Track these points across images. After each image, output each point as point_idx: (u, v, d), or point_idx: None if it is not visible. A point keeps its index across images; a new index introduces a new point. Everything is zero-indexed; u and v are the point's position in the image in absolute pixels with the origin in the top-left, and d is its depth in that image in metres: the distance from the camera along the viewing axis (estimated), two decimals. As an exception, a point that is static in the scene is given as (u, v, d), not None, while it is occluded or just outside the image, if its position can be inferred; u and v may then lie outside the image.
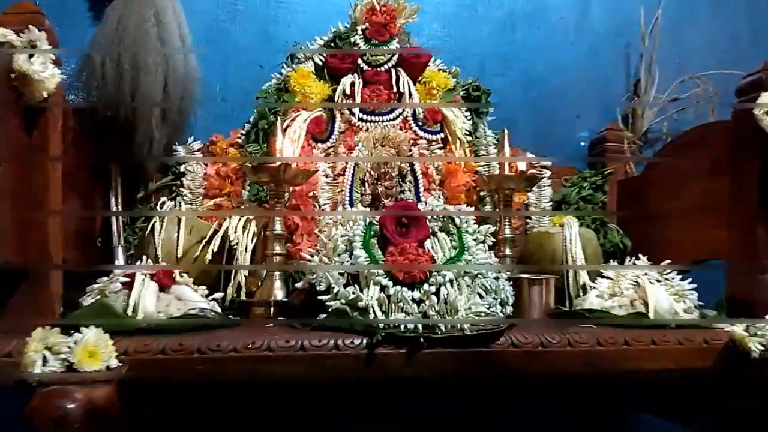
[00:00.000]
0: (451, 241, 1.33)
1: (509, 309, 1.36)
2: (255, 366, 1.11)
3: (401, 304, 1.20)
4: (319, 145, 1.77)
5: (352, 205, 1.71)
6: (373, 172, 1.74)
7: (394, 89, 1.78)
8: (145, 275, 1.34)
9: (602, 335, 1.22)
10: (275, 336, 1.14)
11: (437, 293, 1.21)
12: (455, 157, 1.75)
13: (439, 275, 1.23)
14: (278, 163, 1.47)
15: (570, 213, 1.80)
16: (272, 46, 1.89)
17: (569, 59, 2.10)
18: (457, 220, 1.35)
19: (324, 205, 1.72)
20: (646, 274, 1.45)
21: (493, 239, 1.39)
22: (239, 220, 1.53)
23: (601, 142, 2.01)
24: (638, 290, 1.43)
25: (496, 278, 1.36)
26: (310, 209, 1.69)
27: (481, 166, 1.81)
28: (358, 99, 1.75)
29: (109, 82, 1.61)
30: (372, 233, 1.32)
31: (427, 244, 1.32)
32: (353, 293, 1.22)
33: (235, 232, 1.50)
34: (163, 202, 1.69)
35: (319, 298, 1.25)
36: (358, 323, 1.18)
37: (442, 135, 1.80)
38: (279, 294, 1.46)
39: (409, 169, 1.76)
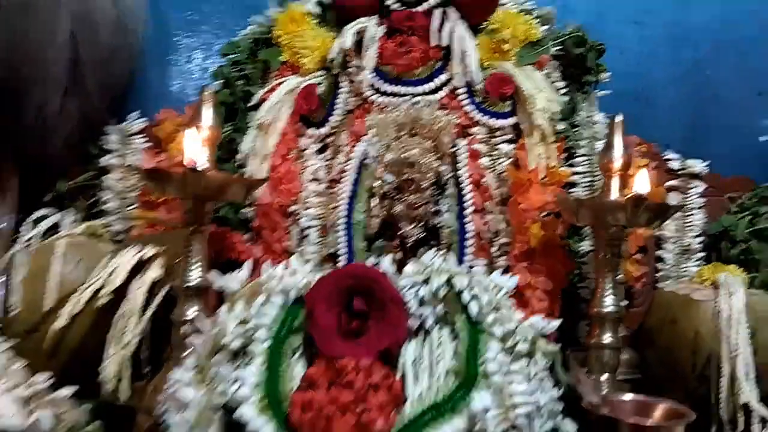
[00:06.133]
0: (455, 351, 0.63)
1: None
2: None
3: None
4: (311, 131, 1.10)
5: (350, 231, 1.04)
6: (390, 178, 1.05)
7: (436, 41, 1.07)
8: None
9: None
10: None
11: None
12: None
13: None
14: (184, 168, 0.83)
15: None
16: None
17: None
18: (474, 305, 0.65)
19: (308, 228, 1.06)
20: None
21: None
22: (132, 256, 0.91)
23: (798, 138, 1.20)
24: None
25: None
26: (280, 235, 1.05)
27: (581, 176, 1.08)
28: (369, 57, 1.06)
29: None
30: (297, 323, 0.65)
31: (408, 353, 0.64)
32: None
33: (113, 280, 0.88)
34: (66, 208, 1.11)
35: (156, 462, 0.61)
36: None
37: (513, 119, 1.07)
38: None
39: (451, 175, 1.06)
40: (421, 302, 0.66)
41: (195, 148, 0.84)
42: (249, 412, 0.57)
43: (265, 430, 0.56)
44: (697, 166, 1.17)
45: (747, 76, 1.26)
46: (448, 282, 0.66)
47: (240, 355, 0.65)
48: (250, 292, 0.69)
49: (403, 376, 0.61)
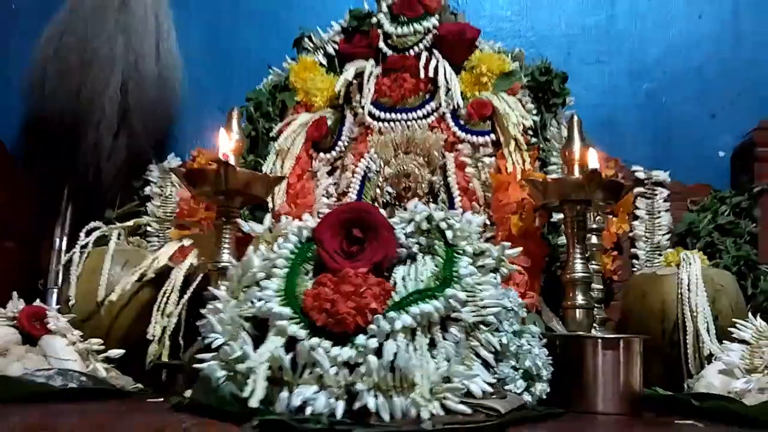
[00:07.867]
0: (437, 266, 0.79)
1: (541, 387, 0.78)
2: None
3: (317, 370, 0.68)
4: (322, 155, 1.30)
5: (356, 233, 1.21)
6: (391, 189, 1.23)
7: (424, 75, 1.28)
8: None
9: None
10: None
11: (379, 351, 0.68)
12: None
13: (385, 319, 0.69)
14: (216, 164, 1.02)
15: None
16: (284, 40, 1.44)
17: (698, 34, 1.48)
18: (449, 231, 0.81)
19: (321, 234, 1.23)
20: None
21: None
22: (172, 246, 1.08)
23: (748, 149, 1.35)
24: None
25: (519, 332, 0.79)
26: (297, 239, 1.21)
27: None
28: (367, 89, 1.27)
29: (50, 79, 1.27)
30: (309, 255, 0.81)
31: (399, 272, 0.79)
32: (240, 349, 0.71)
33: (156, 264, 1.05)
34: (122, 233, 1.28)
35: (198, 356, 0.75)
36: (231, 403, 0.68)
37: (493, 136, 1.26)
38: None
39: (442, 183, 1.23)
40: (408, 236, 0.82)
41: (227, 146, 1.03)
42: (272, 305, 0.72)
43: (284, 313, 0.71)
44: (661, 174, 1.33)
45: (701, 100, 1.44)
46: (429, 218, 0.82)
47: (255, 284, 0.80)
48: (271, 236, 0.85)
49: (394, 285, 0.76)
